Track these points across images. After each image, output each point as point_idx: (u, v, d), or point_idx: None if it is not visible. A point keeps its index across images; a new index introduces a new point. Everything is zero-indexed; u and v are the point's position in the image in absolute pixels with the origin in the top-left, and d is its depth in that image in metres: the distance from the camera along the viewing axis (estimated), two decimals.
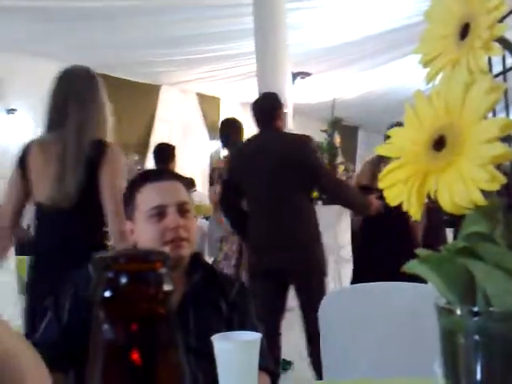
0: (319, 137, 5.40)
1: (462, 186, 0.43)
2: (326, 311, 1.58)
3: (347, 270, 4.26)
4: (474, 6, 0.48)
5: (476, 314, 0.44)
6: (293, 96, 5.77)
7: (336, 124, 5.26)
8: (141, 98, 8.55)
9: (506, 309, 0.44)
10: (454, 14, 0.50)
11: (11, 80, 6.95)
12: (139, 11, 5.96)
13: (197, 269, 1.34)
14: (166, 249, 1.26)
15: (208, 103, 10.11)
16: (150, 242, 1.27)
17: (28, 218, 3.82)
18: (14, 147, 8.00)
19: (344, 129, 4.48)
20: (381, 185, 0.49)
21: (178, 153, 4.85)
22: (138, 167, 5.11)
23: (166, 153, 4.69)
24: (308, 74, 7.97)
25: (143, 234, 1.30)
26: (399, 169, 0.48)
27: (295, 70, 6.84)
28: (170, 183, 1.33)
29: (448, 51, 0.50)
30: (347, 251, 4.40)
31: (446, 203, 0.44)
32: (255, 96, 3.33)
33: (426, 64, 0.53)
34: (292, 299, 3.03)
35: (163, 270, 0.30)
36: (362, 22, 6.76)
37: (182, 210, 1.30)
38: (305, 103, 8.71)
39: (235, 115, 11.59)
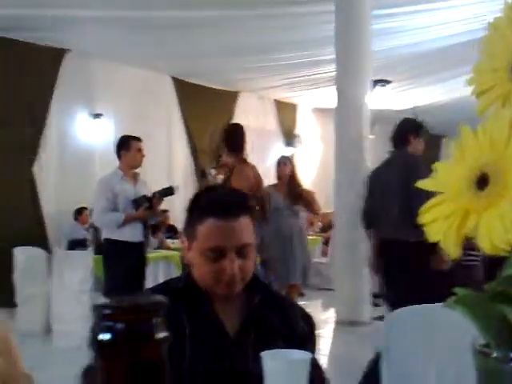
0: None
1: (501, 228, 0.41)
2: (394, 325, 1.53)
3: None
4: None
5: None
6: (372, 103, 5.67)
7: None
8: (219, 104, 8.70)
9: None
10: (508, 47, 0.48)
11: (99, 86, 7.26)
12: (221, 21, 6.10)
13: (256, 291, 1.32)
14: (219, 286, 1.24)
15: (285, 110, 10.14)
16: (202, 274, 1.26)
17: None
18: (98, 150, 8.33)
19: (426, 137, 4.36)
20: (422, 220, 0.48)
21: (253, 159, 4.87)
22: (212, 170, 5.10)
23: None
24: (388, 82, 7.79)
25: (198, 265, 1.27)
26: (441, 204, 0.47)
27: (375, 78, 6.72)
28: (236, 222, 1.24)
29: (499, 85, 0.48)
30: None
31: (486, 244, 0.42)
32: (332, 103, 3.25)
33: (478, 96, 0.52)
34: None
35: (156, 320, 0.31)
36: (451, 28, 6.53)
37: (243, 252, 1.24)
38: (385, 109, 8.53)
39: (311, 122, 11.45)
